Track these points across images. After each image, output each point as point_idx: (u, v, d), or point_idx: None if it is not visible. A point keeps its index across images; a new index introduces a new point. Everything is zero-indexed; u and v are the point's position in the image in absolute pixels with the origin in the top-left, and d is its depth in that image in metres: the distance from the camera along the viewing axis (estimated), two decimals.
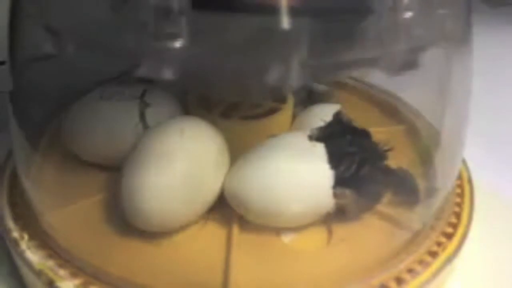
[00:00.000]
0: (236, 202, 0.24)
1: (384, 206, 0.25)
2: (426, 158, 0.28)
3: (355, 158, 0.24)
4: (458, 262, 0.25)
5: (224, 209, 0.24)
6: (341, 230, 0.25)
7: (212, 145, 0.24)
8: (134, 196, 0.23)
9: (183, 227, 0.24)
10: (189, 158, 0.23)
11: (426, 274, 0.23)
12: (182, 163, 0.23)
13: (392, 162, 0.26)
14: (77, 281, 0.22)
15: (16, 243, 0.24)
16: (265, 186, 0.23)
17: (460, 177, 0.28)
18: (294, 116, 0.29)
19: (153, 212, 0.23)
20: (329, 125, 0.26)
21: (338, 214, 0.24)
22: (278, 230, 0.24)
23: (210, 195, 0.24)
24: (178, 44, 0.18)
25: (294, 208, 0.24)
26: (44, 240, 0.24)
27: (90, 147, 0.27)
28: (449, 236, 0.25)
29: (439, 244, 0.24)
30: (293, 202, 0.23)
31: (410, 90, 0.30)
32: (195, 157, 0.23)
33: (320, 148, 0.24)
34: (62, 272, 0.22)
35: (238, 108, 0.28)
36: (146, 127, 0.26)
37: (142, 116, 0.26)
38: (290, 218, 0.24)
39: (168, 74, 0.19)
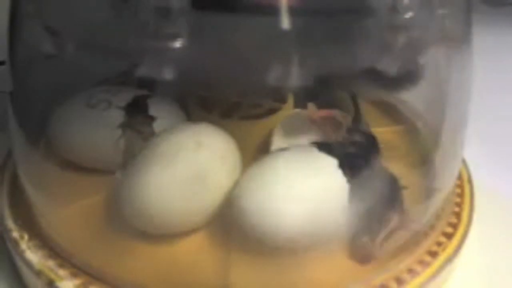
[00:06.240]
0: (239, 219, 0.22)
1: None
2: (426, 158, 0.28)
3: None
4: (458, 262, 0.25)
5: (226, 210, 0.24)
6: None
7: (219, 151, 0.24)
8: (136, 197, 0.23)
9: (183, 229, 0.24)
10: (193, 162, 0.23)
11: (426, 274, 0.23)
12: (185, 167, 0.23)
13: (393, 162, 0.26)
14: (77, 281, 0.22)
15: (16, 243, 0.24)
16: (269, 204, 0.22)
17: (460, 177, 0.28)
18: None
19: (155, 214, 0.23)
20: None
21: None
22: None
23: (214, 200, 0.24)
24: (178, 44, 0.18)
25: (297, 230, 0.22)
26: (44, 240, 0.24)
27: (74, 153, 0.27)
28: (449, 236, 0.25)
29: (439, 244, 0.24)
30: (297, 224, 0.22)
31: (410, 90, 0.30)
32: (200, 161, 0.23)
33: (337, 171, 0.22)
34: (62, 272, 0.22)
35: (238, 108, 0.28)
36: (128, 140, 0.26)
37: (124, 130, 0.26)
38: (291, 240, 0.22)
39: (168, 74, 0.19)
